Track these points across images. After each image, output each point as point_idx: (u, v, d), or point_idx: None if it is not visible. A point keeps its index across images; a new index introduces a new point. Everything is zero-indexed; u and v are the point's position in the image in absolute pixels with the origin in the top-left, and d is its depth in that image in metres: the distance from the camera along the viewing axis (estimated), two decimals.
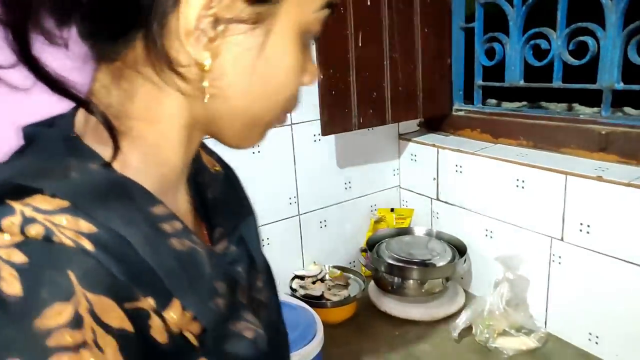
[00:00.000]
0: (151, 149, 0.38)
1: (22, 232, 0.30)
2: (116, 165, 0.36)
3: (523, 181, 1.12)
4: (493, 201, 1.20)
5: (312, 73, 0.42)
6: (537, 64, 1.18)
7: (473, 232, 1.27)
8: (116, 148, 0.35)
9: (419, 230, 1.37)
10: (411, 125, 1.47)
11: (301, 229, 1.32)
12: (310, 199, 1.32)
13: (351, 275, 1.33)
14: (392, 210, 1.44)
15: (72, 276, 0.29)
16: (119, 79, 0.37)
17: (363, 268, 1.39)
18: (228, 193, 0.53)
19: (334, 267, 1.32)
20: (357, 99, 1.21)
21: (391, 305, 1.24)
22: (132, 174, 0.37)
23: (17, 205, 0.31)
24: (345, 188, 1.38)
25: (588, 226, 1.00)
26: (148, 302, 0.33)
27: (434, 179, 1.36)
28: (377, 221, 1.42)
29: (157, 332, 0.33)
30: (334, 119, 1.19)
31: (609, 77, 1.05)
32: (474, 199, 1.26)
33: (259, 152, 1.20)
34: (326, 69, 1.15)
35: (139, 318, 0.32)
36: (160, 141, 0.39)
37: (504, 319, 1.10)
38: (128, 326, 0.31)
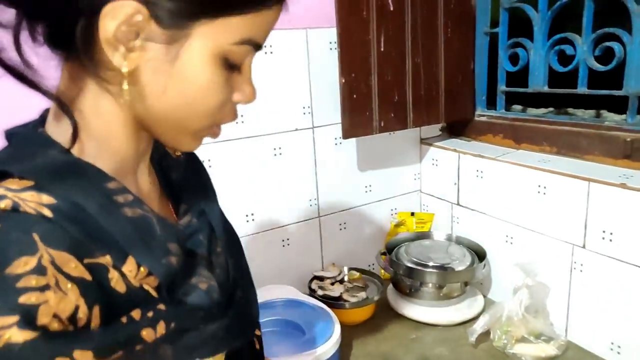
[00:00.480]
0: (102, 140, 0.46)
1: None
2: (75, 152, 0.44)
3: (545, 187, 1.11)
4: (514, 207, 1.20)
5: (245, 94, 0.49)
6: (561, 69, 1.17)
7: (493, 238, 1.27)
8: (75, 134, 0.43)
9: (439, 235, 1.37)
10: (433, 130, 1.47)
11: (321, 231, 1.34)
12: (330, 202, 1.33)
13: (370, 277, 1.33)
14: (412, 214, 1.44)
15: (36, 236, 0.36)
16: (75, 78, 0.44)
17: (382, 271, 1.39)
18: (189, 174, 0.61)
19: (353, 269, 1.33)
20: (378, 103, 1.22)
21: (409, 308, 1.25)
22: (90, 160, 0.44)
23: None
24: (366, 191, 1.39)
25: (611, 234, 0.99)
26: (106, 259, 0.40)
27: (455, 183, 1.36)
28: (397, 225, 1.43)
29: (117, 283, 0.40)
30: (355, 122, 1.20)
31: (636, 84, 1.03)
32: (494, 205, 1.25)
33: (280, 154, 1.22)
34: (348, 72, 1.16)
35: (97, 271, 0.39)
36: (108, 134, 0.46)
37: (523, 325, 1.09)
38: (87, 276, 0.38)
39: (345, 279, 1.30)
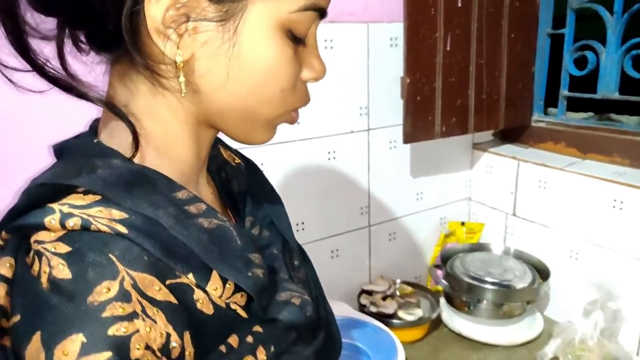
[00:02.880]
0: (161, 144, 0.41)
1: (63, 226, 0.33)
2: (136, 161, 0.40)
3: (622, 202, 1.04)
4: (582, 221, 1.12)
5: (315, 69, 0.43)
6: (637, 75, 1.10)
7: (555, 252, 1.19)
8: (135, 140, 0.38)
9: (495, 247, 1.29)
10: (485, 134, 1.39)
11: (370, 241, 1.25)
12: (381, 210, 1.25)
13: (421, 291, 1.25)
14: (462, 223, 1.36)
15: (113, 257, 0.32)
16: (125, 79, 0.40)
17: (429, 283, 1.31)
18: (252, 184, 0.56)
19: (404, 282, 1.25)
20: (441, 107, 1.13)
21: (466, 327, 1.17)
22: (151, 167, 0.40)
23: (55, 206, 0.34)
24: (417, 199, 1.31)
25: None
26: (188, 278, 0.36)
27: (512, 193, 1.28)
28: (448, 235, 1.35)
29: (203, 305, 0.36)
30: (418, 126, 1.12)
31: None
32: (558, 217, 1.18)
33: (334, 157, 1.13)
34: (413, 73, 1.07)
35: (182, 292, 0.35)
36: (167, 137, 0.41)
37: (598, 349, 1.01)
38: (172, 299, 0.34)
39: (397, 293, 1.22)
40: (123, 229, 0.34)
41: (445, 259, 1.25)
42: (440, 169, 1.33)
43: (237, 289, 0.38)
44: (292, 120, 0.45)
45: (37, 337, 0.30)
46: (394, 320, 1.12)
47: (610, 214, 1.06)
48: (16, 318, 0.32)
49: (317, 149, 1.10)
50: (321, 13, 0.40)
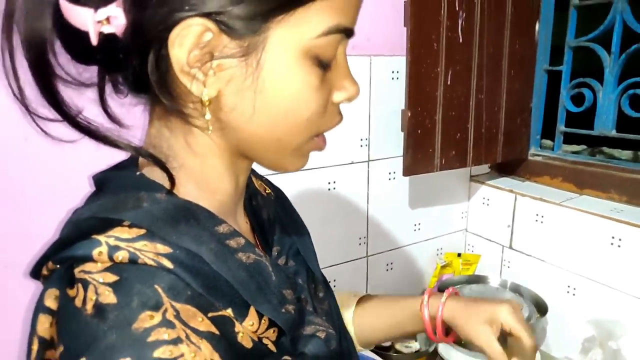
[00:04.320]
0: (201, 178, 0.42)
1: (111, 258, 0.34)
2: (179, 194, 0.41)
3: (620, 239, 1.05)
4: (580, 257, 1.13)
5: (347, 90, 0.42)
6: (634, 114, 1.12)
7: (551, 286, 1.19)
8: (171, 181, 0.39)
9: (492, 280, 1.29)
10: (482, 167, 1.40)
11: (368, 271, 1.25)
12: (379, 240, 1.24)
13: None
14: (459, 255, 1.36)
15: (159, 289, 0.33)
16: (163, 118, 0.41)
17: None
18: (281, 213, 0.57)
19: None
20: (441, 140, 1.14)
21: (462, 359, 1.16)
22: (193, 201, 0.40)
23: (101, 238, 0.35)
24: (415, 230, 1.31)
25: None
26: (228, 312, 0.36)
27: (509, 226, 1.29)
28: (444, 266, 1.34)
29: (243, 338, 0.37)
30: (418, 159, 1.12)
31: None
32: (555, 252, 1.18)
33: (334, 188, 1.13)
34: (414, 106, 1.08)
35: (223, 325, 0.35)
36: (206, 171, 0.42)
37: None
38: (215, 330, 0.34)
39: None
40: (169, 264, 0.35)
41: (441, 290, 1.24)
42: (438, 201, 1.34)
43: (271, 324, 0.39)
44: (319, 148, 0.45)
45: None
46: (391, 354, 1.11)
47: (609, 250, 1.07)
48: (61, 348, 0.32)
49: (318, 179, 1.10)
50: (348, 33, 0.39)
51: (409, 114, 1.08)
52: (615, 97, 1.15)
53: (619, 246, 1.05)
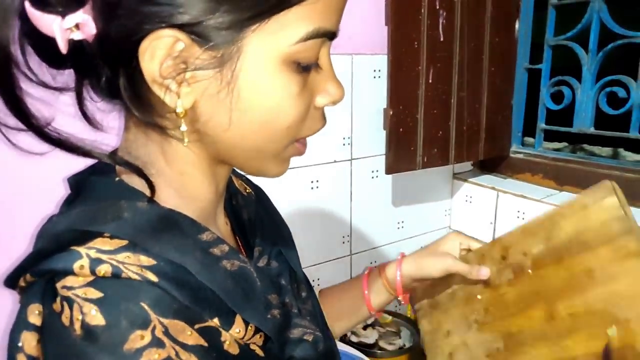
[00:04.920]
0: (181, 186, 0.41)
1: (93, 272, 0.33)
2: (158, 201, 0.39)
3: None
4: None
5: (330, 94, 0.41)
6: (611, 112, 1.13)
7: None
8: (151, 189, 0.38)
9: None
10: (464, 164, 1.41)
11: (352, 270, 1.25)
12: (362, 239, 1.25)
13: (400, 320, 1.25)
14: None
15: (145, 306, 0.32)
16: (141, 127, 0.40)
17: (409, 312, 1.31)
18: (262, 213, 0.56)
19: (384, 311, 1.24)
20: (423, 138, 1.15)
21: None
22: (173, 208, 0.39)
23: (82, 250, 0.34)
24: (398, 228, 1.31)
25: None
26: (214, 322, 0.36)
27: (491, 223, 1.30)
28: None
29: (230, 346, 0.37)
30: (400, 157, 1.13)
31: None
32: None
33: (317, 187, 1.13)
34: (396, 104, 1.09)
35: (210, 334, 0.35)
36: (185, 179, 0.41)
37: None
38: (203, 342, 0.34)
39: (377, 322, 1.22)
40: (153, 277, 0.34)
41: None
42: (421, 199, 1.34)
43: (257, 330, 0.39)
44: (299, 153, 0.44)
45: None
46: (375, 350, 1.12)
47: None
48: None
49: (301, 178, 1.10)
50: (330, 36, 0.38)
51: (391, 113, 1.09)
52: (593, 95, 1.16)
53: None
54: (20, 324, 0.34)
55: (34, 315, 0.34)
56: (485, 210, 1.31)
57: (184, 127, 0.37)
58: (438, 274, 0.64)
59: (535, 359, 0.56)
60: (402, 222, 1.32)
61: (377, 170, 1.22)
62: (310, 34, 0.35)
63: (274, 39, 0.35)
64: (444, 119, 1.18)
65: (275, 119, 0.38)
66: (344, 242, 1.21)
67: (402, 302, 0.69)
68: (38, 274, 0.35)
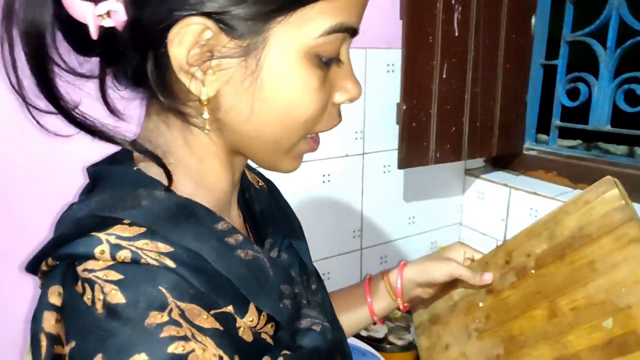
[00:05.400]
0: (198, 176, 0.42)
1: (113, 257, 0.34)
2: (175, 191, 0.40)
3: None
4: None
5: (348, 91, 0.42)
6: (629, 110, 1.12)
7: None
8: (169, 177, 0.39)
9: None
10: (476, 160, 1.41)
11: (362, 264, 1.25)
12: (373, 233, 1.25)
13: (410, 315, 1.25)
14: None
15: (163, 289, 0.33)
16: (160, 113, 0.41)
17: None
18: (273, 206, 0.57)
19: None
20: (435, 133, 1.15)
21: None
22: (189, 197, 0.40)
23: (102, 236, 0.35)
24: (409, 223, 1.31)
25: None
26: (229, 309, 0.37)
27: (503, 220, 1.29)
28: None
29: (244, 332, 0.37)
30: (412, 152, 1.12)
31: None
32: None
33: (329, 181, 1.13)
34: (409, 99, 1.09)
35: (225, 321, 0.36)
36: (203, 169, 0.42)
37: None
38: (219, 326, 0.35)
39: (387, 317, 1.22)
40: (171, 263, 0.35)
41: None
42: (432, 194, 1.34)
43: (269, 319, 0.40)
44: (312, 149, 0.45)
45: None
46: (385, 345, 1.12)
47: None
48: (72, 344, 0.32)
49: (313, 172, 1.10)
50: (352, 32, 0.38)
51: (404, 107, 1.08)
52: (610, 92, 1.15)
53: None
54: (41, 305, 0.35)
55: (54, 296, 0.35)
56: (497, 207, 1.30)
57: (206, 115, 0.37)
58: (442, 278, 0.64)
59: (536, 359, 0.56)
60: (413, 217, 1.32)
61: (389, 165, 1.21)
62: (333, 28, 0.36)
63: (298, 31, 0.36)
64: (457, 115, 1.17)
65: (293, 110, 0.38)
66: (354, 237, 1.22)
67: (401, 309, 0.68)
68: (59, 258, 0.36)
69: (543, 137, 1.40)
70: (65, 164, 0.79)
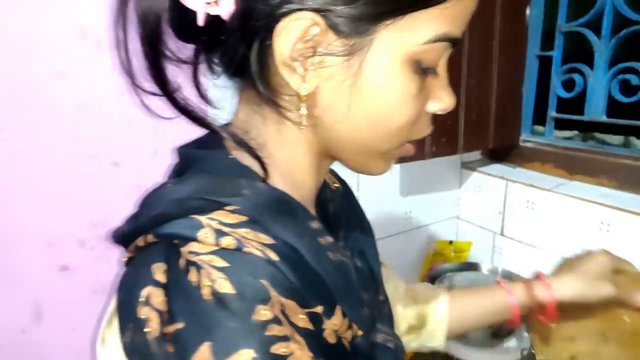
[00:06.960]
0: (287, 172, 0.42)
1: (217, 243, 0.33)
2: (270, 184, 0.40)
3: (608, 224, 1.05)
4: (570, 242, 1.13)
5: (442, 101, 0.42)
6: (624, 100, 1.11)
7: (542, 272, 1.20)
8: (264, 169, 0.39)
9: (484, 267, 1.29)
10: (473, 153, 1.40)
11: None
12: None
13: None
14: (450, 242, 1.36)
15: (265, 282, 0.32)
16: (253, 105, 0.41)
17: None
18: (347, 208, 0.56)
19: None
20: (432, 127, 1.13)
21: (453, 347, 1.16)
22: None
23: (202, 219, 0.34)
24: (405, 217, 1.30)
25: None
26: (319, 309, 0.36)
27: (500, 213, 1.29)
28: (435, 254, 1.34)
29: (329, 334, 0.36)
30: None
31: None
32: (546, 238, 1.19)
33: None
34: None
35: (315, 320, 0.35)
36: (292, 165, 0.42)
37: None
38: (310, 327, 0.34)
39: None
40: (274, 256, 0.34)
41: (433, 278, 1.25)
42: (429, 188, 1.33)
43: (349, 326, 0.39)
44: (408, 152, 0.45)
45: (205, 348, 0.30)
46: None
47: (597, 236, 1.07)
48: (180, 325, 0.31)
49: None
50: (454, 42, 0.38)
51: None
52: (605, 82, 1.14)
53: (607, 231, 1.05)
54: (142, 280, 0.34)
55: (160, 273, 0.34)
56: (494, 200, 1.30)
57: (304, 111, 0.37)
58: (597, 301, 0.62)
59: None
60: (410, 211, 1.31)
61: None
62: (439, 36, 0.36)
63: (404, 36, 0.36)
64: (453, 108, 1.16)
65: (389, 115, 0.38)
66: None
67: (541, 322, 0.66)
68: (160, 236, 0.35)
69: (539, 128, 1.39)
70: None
